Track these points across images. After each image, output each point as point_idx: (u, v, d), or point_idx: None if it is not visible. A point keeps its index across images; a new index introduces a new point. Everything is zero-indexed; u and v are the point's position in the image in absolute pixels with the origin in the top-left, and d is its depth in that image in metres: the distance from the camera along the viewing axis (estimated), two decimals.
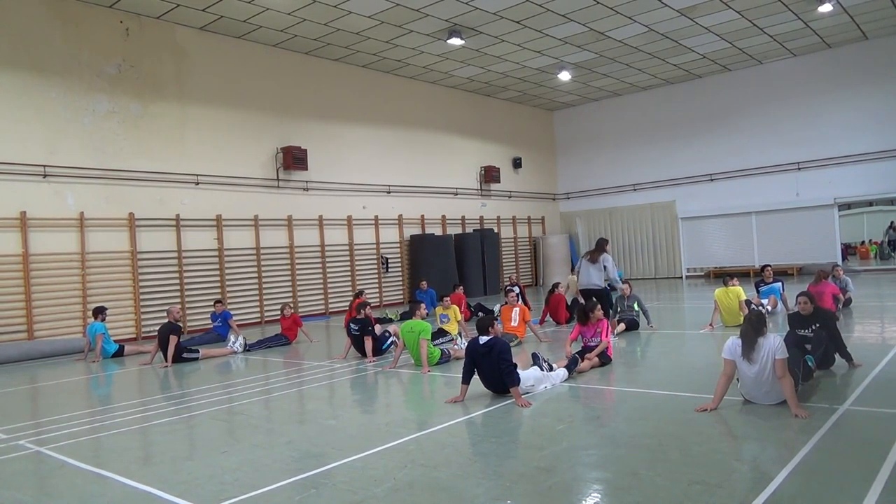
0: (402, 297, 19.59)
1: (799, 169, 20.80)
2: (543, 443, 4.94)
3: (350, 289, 17.95)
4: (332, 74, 18.09)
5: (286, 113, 16.89)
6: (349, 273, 18.16)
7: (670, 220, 23.41)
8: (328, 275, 17.57)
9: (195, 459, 5.11)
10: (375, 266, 18.95)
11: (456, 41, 16.59)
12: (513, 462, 4.57)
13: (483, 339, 6.42)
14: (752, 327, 5.50)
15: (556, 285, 12.52)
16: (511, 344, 8.38)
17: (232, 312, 13.27)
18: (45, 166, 12.64)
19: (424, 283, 16.01)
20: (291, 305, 12.73)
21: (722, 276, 11.35)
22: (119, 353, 11.45)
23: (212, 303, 13.83)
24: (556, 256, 24.11)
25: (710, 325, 10.23)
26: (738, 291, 10.28)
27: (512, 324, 10.01)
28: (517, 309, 10.19)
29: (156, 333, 11.20)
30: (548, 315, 12.22)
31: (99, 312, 11.28)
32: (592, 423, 5.59)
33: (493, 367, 6.30)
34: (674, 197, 23.34)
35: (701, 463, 4.27)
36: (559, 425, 5.42)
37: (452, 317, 10.62)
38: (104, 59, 13.62)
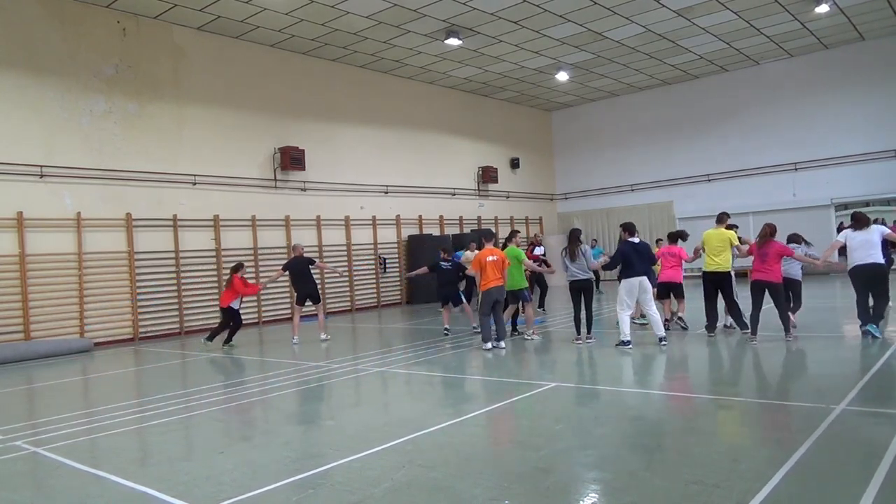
0: (399, 297, 19.58)
1: (796, 169, 20.85)
2: (541, 443, 4.94)
3: (348, 290, 17.95)
4: (330, 75, 18.07)
5: (284, 113, 16.87)
6: (347, 273, 18.13)
7: (668, 221, 23.38)
8: (326, 275, 17.53)
9: (192, 460, 5.11)
10: (373, 266, 18.94)
11: (454, 41, 16.59)
12: (511, 462, 4.57)
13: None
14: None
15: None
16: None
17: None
18: (41, 166, 12.61)
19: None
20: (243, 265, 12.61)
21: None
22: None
23: (209, 303, 13.76)
24: (554, 256, 24.07)
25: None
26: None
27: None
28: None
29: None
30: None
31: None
32: (590, 424, 5.59)
33: None
34: (671, 197, 23.37)
35: (699, 463, 4.28)
36: (557, 425, 5.43)
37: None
38: (101, 60, 13.59)
